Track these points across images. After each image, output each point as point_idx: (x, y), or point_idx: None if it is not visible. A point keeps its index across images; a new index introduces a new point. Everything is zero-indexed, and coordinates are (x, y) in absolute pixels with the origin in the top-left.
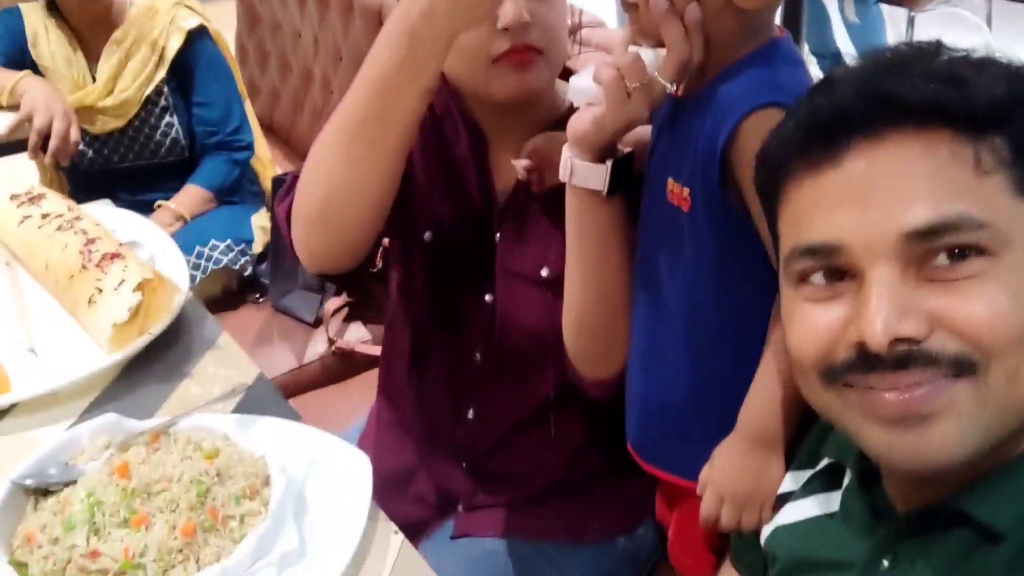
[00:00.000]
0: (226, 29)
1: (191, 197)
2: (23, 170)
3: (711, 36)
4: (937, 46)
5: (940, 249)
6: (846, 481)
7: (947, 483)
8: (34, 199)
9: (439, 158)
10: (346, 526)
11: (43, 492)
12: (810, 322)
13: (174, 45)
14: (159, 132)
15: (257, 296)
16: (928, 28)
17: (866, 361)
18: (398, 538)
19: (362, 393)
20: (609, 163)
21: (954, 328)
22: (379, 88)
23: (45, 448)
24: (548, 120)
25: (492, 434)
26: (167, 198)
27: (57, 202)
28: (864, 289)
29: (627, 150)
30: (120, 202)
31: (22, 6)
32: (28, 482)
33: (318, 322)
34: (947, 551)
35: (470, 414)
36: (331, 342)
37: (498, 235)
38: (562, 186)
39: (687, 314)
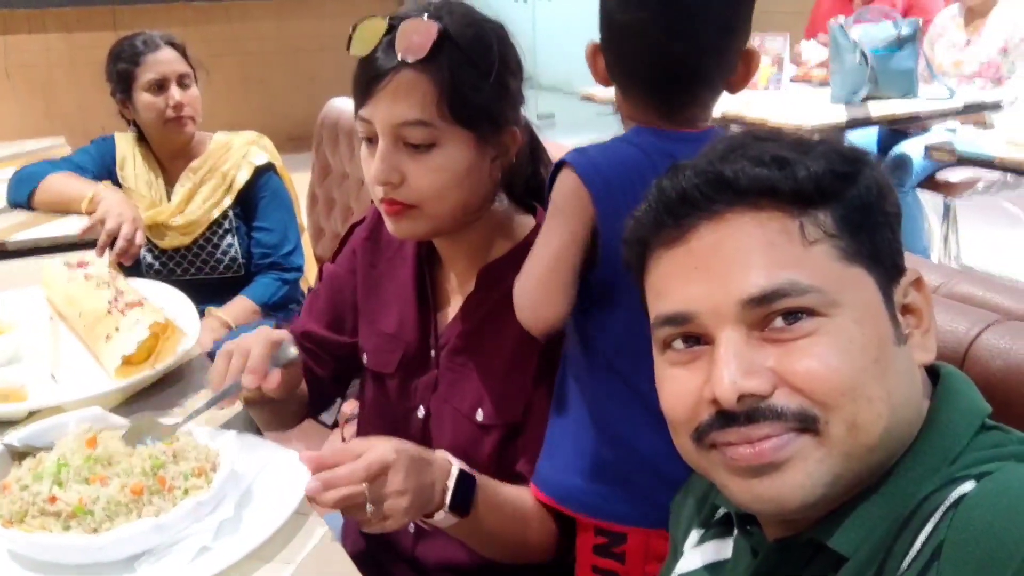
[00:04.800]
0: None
1: (239, 308)
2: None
3: None
4: (773, 132)
5: (777, 312)
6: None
7: (809, 518)
8: (82, 264)
9: (378, 284)
10: (276, 514)
11: (28, 456)
12: (676, 384)
13: (242, 177)
14: (220, 251)
15: None
16: (968, 216)
17: (723, 418)
18: (322, 530)
19: None
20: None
21: (793, 383)
22: None
23: (36, 426)
24: (489, 256)
25: (430, 552)
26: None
27: (101, 268)
28: (714, 351)
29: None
30: None
31: (116, 135)
32: (16, 443)
33: (336, 424)
34: None
35: (410, 528)
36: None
37: (436, 371)
38: (501, 324)
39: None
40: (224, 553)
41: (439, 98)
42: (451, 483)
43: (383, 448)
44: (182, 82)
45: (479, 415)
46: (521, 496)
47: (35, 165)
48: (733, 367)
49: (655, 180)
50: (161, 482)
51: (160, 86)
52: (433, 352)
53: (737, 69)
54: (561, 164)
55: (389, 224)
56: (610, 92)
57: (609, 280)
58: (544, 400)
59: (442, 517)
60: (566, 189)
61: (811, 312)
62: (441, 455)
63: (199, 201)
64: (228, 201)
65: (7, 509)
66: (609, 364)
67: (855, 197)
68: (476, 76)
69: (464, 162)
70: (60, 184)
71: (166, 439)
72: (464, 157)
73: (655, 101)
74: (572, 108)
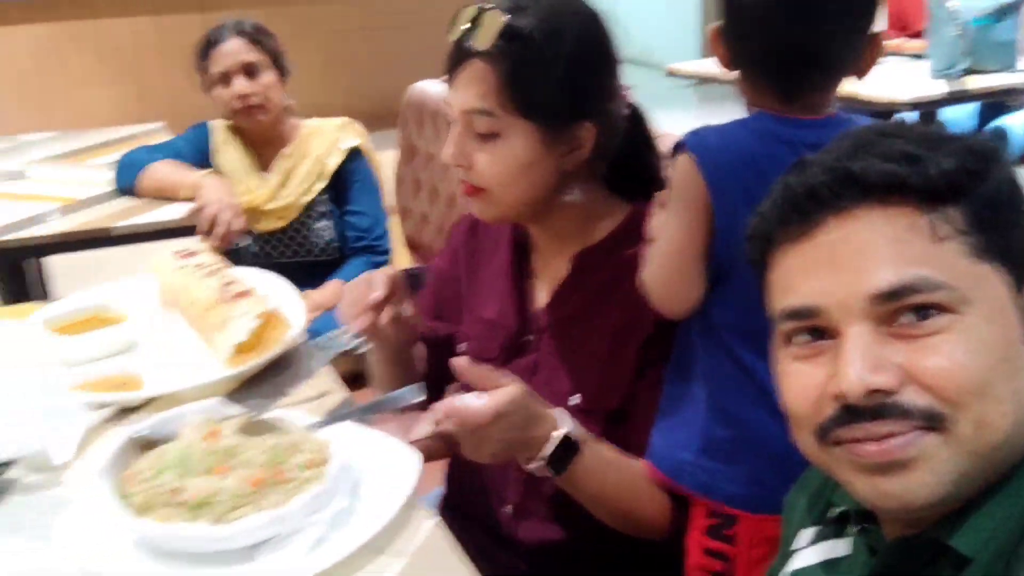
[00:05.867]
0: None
1: (333, 290)
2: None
3: None
4: (900, 126)
5: (906, 308)
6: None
7: (931, 517)
8: (191, 254)
9: (477, 274)
10: (388, 505)
11: (151, 446)
12: (801, 379)
13: (334, 161)
14: (314, 234)
15: None
16: None
17: (848, 413)
18: (431, 521)
19: None
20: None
21: (921, 381)
22: None
23: (158, 417)
24: (584, 242)
25: (529, 532)
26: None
27: (208, 257)
28: (841, 346)
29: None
30: None
31: (212, 122)
32: (142, 435)
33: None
34: None
35: (508, 509)
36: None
37: (535, 356)
38: (599, 310)
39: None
40: (340, 544)
41: (501, 89)
42: (551, 446)
43: (502, 399)
44: (249, 71)
45: (577, 399)
46: (638, 469)
47: (136, 151)
48: (860, 362)
49: (780, 177)
50: (279, 474)
51: (226, 79)
52: (531, 336)
53: (863, 54)
54: (679, 146)
55: (470, 206)
56: (694, 67)
57: (724, 262)
58: (649, 391)
59: (535, 467)
60: (683, 174)
61: (941, 309)
62: (556, 414)
63: (292, 186)
64: (320, 186)
65: (136, 499)
66: (723, 343)
67: (986, 194)
68: (543, 70)
69: (528, 154)
70: (163, 171)
71: (283, 432)
72: (528, 149)
73: (775, 86)
74: (653, 82)
